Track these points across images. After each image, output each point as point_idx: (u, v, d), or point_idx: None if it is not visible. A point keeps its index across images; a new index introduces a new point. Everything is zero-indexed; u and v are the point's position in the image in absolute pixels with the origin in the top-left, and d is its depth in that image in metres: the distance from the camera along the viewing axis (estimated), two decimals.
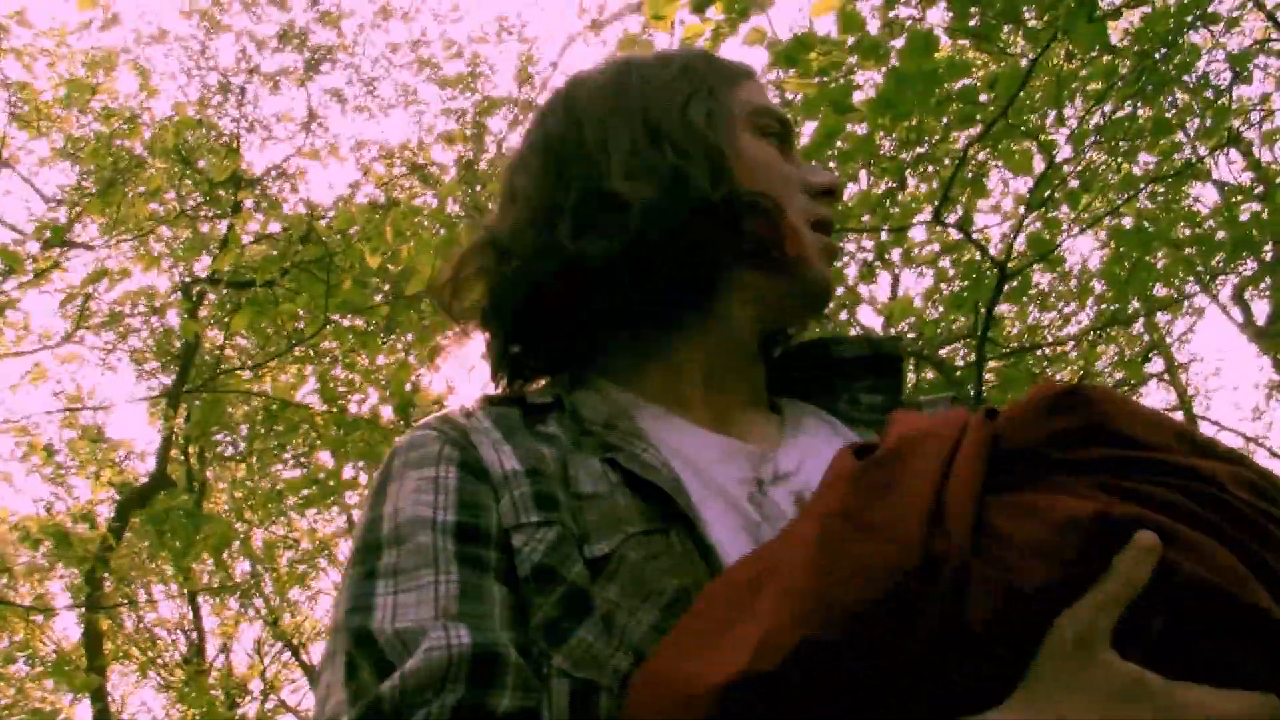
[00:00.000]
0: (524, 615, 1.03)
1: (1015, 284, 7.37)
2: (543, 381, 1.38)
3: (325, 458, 11.00)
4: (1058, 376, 9.76)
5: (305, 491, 10.68)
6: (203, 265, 12.03)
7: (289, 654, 17.35)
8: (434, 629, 0.99)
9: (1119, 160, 7.31)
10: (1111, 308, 8.01)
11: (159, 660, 15.85)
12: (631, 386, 1.29)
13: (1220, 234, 7.45)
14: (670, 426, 1.24)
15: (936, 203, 6.52)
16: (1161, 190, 8.23)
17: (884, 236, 7.39)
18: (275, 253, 9.79)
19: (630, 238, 1.24)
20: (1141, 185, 7.31)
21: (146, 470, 12.50)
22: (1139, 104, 6.74)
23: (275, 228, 11.49)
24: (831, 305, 8.11)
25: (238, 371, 12.32)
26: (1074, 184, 6.98)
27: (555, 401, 1.27)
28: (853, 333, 8.56)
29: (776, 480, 1.20)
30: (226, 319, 11.40)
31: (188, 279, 12.09)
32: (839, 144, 6.07)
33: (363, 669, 0.99)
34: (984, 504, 0.94)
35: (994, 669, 0.87)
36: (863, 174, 7.03)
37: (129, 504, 11.88)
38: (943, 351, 8.24)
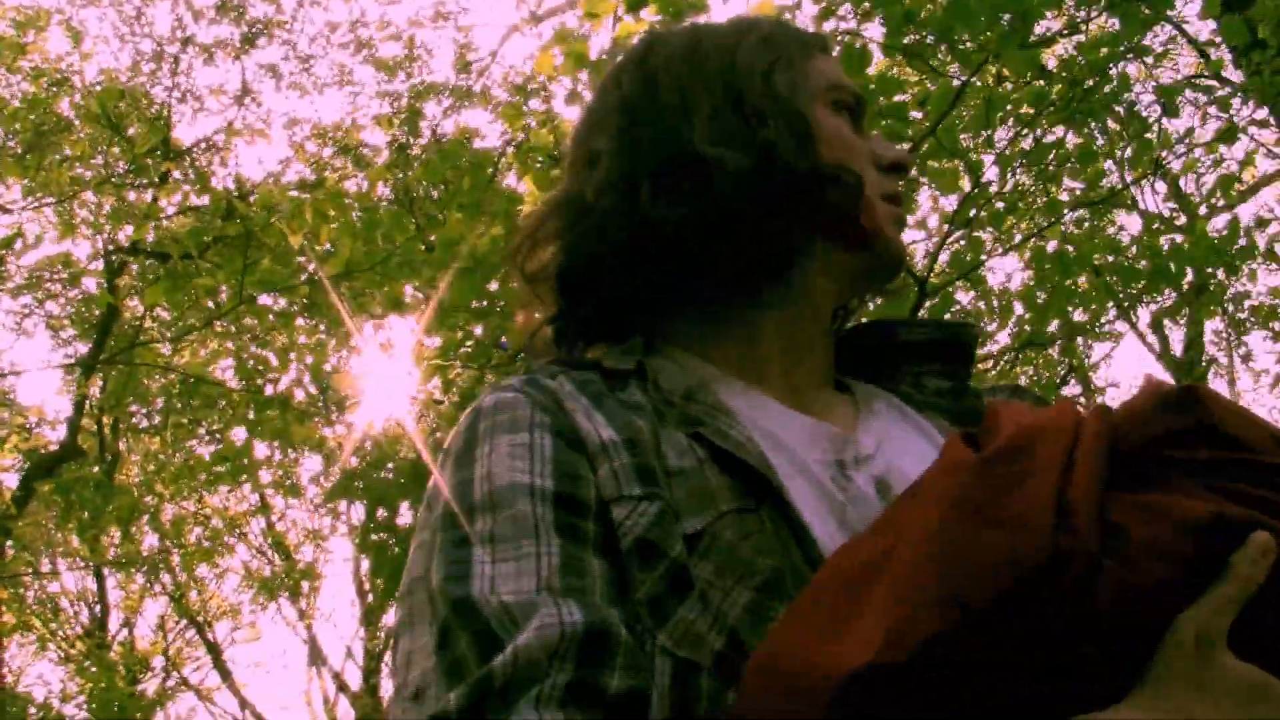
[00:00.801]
0: (624, 590, 1.02)
1: (935, 301, 7.41)
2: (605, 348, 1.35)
3: (240, 435, 10.90)
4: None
5: (218, 468, 10.55)
6: (126, 235, 11.86)
7: (193, 631, 17.15)
8: (545, 604, 0.97)
9: (1044, 184, 7.37)
10: (1028, 329, 8.06)
11: (59, 633, 15.61)
12: (708, 357, 1.28)
13: (1142, 263, 7.54)
14: (751, 402, 1.22)
15: None
16: (1087, 216, 8.31)
17: None
18: (198, 225, 9.67)
19: (714, 203, 1.23)
20: (1065, 210, 7.37)
21: (56, 439, 12.32)
22: (1067, 130, 6.81)
23: (202, 201, 11.39)
24: None
25: (155, 345, 12.17)
26: (999, 205, 7.05)
27: (637, 369, 1.25)
28: None
29: (858, 463, 1.19)
30: (145, 290, 11.25)
31: (110, 248, 11.93)
32: None
33: (460, 640, 0.97)
34: (1104, 501, 0.93)
35: (1114, 667, 0.86)
36: None
37: (36, 472, 11.70)
38: None
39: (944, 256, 7.41)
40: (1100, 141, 7.72)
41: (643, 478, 1.08)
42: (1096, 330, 9.33)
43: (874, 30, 5.96)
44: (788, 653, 0.92)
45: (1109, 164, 7.94)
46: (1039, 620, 0.86)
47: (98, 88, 11.78)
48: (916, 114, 6.32)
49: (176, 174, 12.08)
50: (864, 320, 1.46)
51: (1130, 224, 10.00)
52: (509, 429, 1.12)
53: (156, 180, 11.61)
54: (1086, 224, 8.43)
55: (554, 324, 1.37)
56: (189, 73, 12.38)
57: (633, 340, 1.31)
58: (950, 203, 7.02)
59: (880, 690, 0.84)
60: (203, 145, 12.33)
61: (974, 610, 0.85)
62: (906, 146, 6.16)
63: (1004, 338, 9.07)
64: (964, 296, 8.83)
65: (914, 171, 7.65)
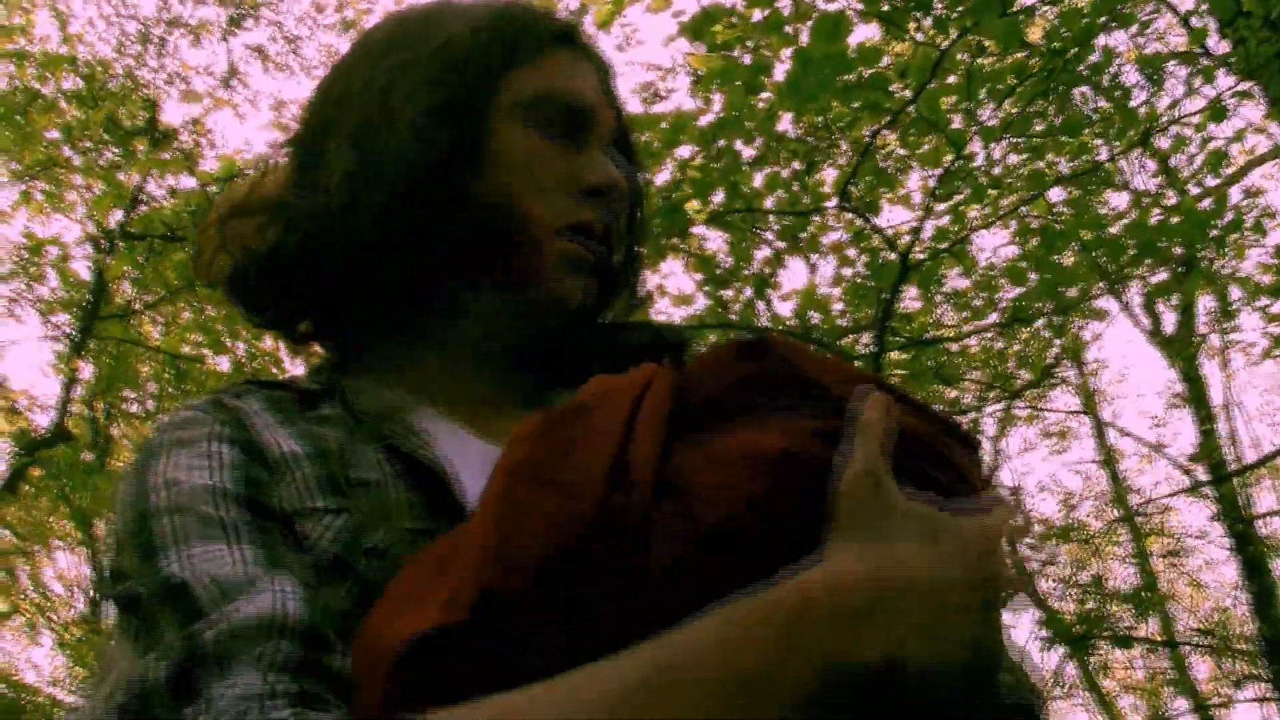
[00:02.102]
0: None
1: (920, 276, 7.38)
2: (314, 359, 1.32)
3: None
4: (964, 373, 9.81)
5: None
6: (116, 220, 11.84)
7: None
8: (261, 579, 0.93)
9: (1028, 157, 7.33)
10: (1013, 305, 8.03)
11: (54, 618, 15.63)
12: (399, 383, 1.22)
13: (1129, 239, 7.50)
14: (445, 429, 1.17)
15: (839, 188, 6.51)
16: (1074, 191, 8.26)
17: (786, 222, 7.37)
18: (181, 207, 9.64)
19: (310, 239, 1.18)
20: (1049, 183, 7.32)
21: (46, 423, 12.31)
22: (1050, 103, 6.76)
23: (190, 183, 11.35)
24: (733, 289, 8.13)
25: (145, 326, 12.17)
26: (982, 179, 7.01)
27: (327, 389, 1.19)
28: (761, 322, 8.60)
29: None
30: (138, 274, 11.26)
31: (98, 232, 11.90)
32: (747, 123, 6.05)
33: (164, 621, 0.92)
34: (670, 451, 0.93)
35: (677, 614, 0.84)
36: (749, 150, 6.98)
37: (25, 456, 11.70)
38: (846, 341, 8.24)
39: (929, 232, 7.38)
40: (1091, 117, 7.67)
41: (328, 489, 1.05)
42: (1085, 309, 9.26)
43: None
44: (370, 629, 0.93)
45: (1098, 142, 7.89)
46: (594, 578, 0.86)
47: (85, 69, 11.74)
48: (896, 87, 6.29)
49: (164, 155, 12.02)
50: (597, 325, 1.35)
51: (1119, 203, 9.94)
52: (187, 442, 1.06)
53: (144, 160, 11.56)
54: (1073, 199, 8.37)
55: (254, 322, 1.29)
56: (175, 54, 12.28)
57: (329, 360, 1.28)
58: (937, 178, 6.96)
59: (440, 653, 0.85)
60: (189, 126, 12.26)
61: (526, 569, 0.86)
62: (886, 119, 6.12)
63: (993, 316, 9.02)
64: (952, 273, 8.77)
65: (896, 144, 7.62)
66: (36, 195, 11.55)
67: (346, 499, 1.04)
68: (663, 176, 6.75)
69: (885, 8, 5.51)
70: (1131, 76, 7.84)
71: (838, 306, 8.22)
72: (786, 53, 5.68)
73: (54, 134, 11.56)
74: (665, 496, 0.89)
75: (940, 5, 5.62)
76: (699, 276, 8.12)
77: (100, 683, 0.96)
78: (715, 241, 8.04)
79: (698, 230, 7.42)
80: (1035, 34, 6.89)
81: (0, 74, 11.77)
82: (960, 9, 5.64)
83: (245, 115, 12.45)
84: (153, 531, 0.98)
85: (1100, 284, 8.50)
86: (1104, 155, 7.93)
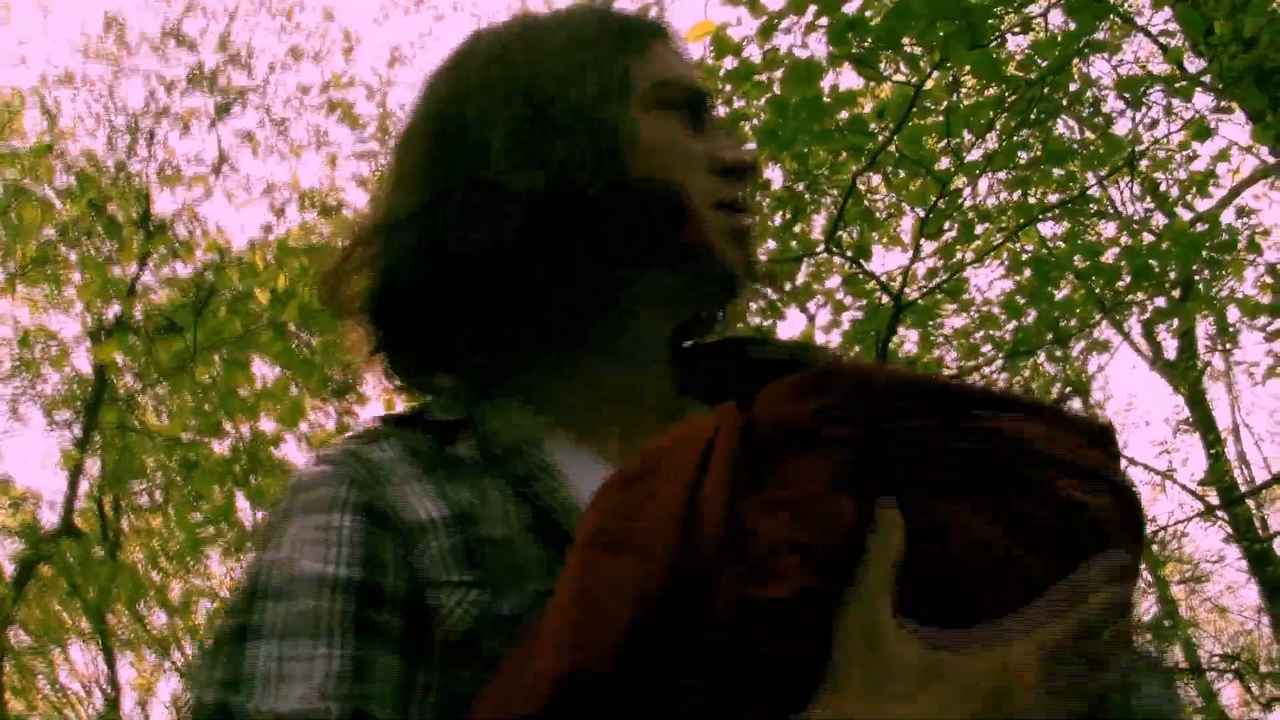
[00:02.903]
0: (414, 688, 0.97)
1: (915, 316, 7.36)
2: (445, 385, 1.28)
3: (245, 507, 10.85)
4: None
5: (208, 529, 10.51)
6: (115, 312, 11.89)
7: None
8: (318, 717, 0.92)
9: (1013, 190, 7.34)
10: (1010, 338, 8.02)
11: (71, 717, 15.55)
12: (540, 406, 1.19)
13: (1123, 264, 7.49)
14: (578, 462, 1.14)
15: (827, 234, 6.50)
16: (1064, 222, 8.26)
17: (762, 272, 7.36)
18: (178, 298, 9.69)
19: (512, 231, 1.14)
20: (1036, 215, 7.32)
21: (53, 521, 12.30)
22: (1031, 133, 6.76)
23: (186, 271, 11.40)
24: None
25: (148, 417, 12.18)
26: (970, 215, 7.00)
27: (463, 420, 1.17)
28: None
29: None
30: (136, 364, 11.28)
31: (96, 326, 11.96)
32: None
33: None
34: (742, 503, 0.91)
35: (749, 674, 0.85)
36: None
37: (33, 553, 11.67)
38: None
39: (923, 271, 7.37)
40: (1074, 144, 7.68)
41: (469, 560, 1.02)
42: (1086, 337, 9.25)
43: (821, 45, 5.89)
44: (481, 713, 0.92)
45: (1084, 171, 7.90)
46: (673, 644, 0.84)
47: (77, 167, 11.82)
48: (876, 127, 6.29)
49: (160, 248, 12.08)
50: (718, 338, 1.35)
51: (1111, 231, 9.94)
52: (312, 508, 1.05)
53: (138, 257, 11.62)
54: (1063, 229, 8.38)
55: (380, 356, 1.27)
56: (165, 144, 12.36)
57: (460, 384, 1.24)
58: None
59: None
60: (183, 216, 12.32)
61: (607, 644, 0.84)
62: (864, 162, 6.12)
63: (990, 350, 9.00)
64: (949, 311, 8.76)
65: (880, 185, 7.62)
66: (35, 294, 11.62)
67: (482, 569, 1.02)
68: None
69: (855, 50, 5.50)
70: (1113, 103, 7.86)
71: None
72: (761, 102, 5.70)
73: (49, 232, 11.64)
74: (732, 553, 0.87)
75: (910, 43, 5.63)
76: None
77: None
78: None
79: None
80: (1013, 67, 6.92)
81: None
82: (931, 46, 5.66)
83: (237, 200, 12.41)
84: (256, 613, 0.98)
85: (1098, 314, 8.48)
86: (1091, 183, 7.94)
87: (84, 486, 12.44)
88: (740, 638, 0.85)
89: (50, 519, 12.59)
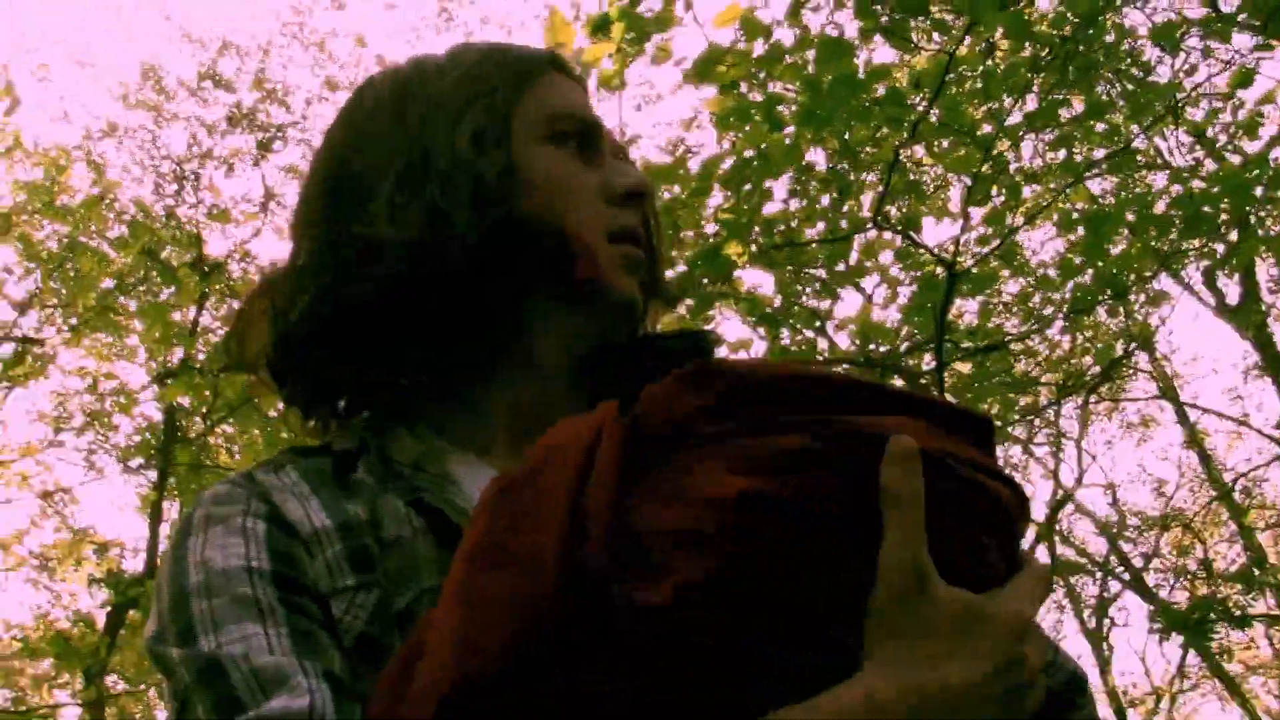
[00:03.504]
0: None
1: (970, 284, 7.31)
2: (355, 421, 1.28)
3: None
4: (1029, 372, 9.71)
5: None
6: (177, 358, 12.03)
7: None
8: (296, 672, 0.93)
9: (1057, 150, 7.28)
10: (1071, 299, 7.94)
11: None
12: (442, 433, 1.21)
13: (1175, 214, 7.40)
14: (479, 473, 1.15)
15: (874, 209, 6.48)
16: (1112, 176, 8.19)
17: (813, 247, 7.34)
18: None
19: (392, 284, 1.15)
20: (1083, 172, 7.26)
21: (137, 566, 12.44)
22: (1070, 91, 6.71)
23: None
24: (789, 328, 8.11)
25: (221, 457, 12.31)
26: (1016, 177, 6.95)
27: (362, 446, 1.19)
28: (821, 348, 8.56)
29: None
30: (204, 407, 11.41)
31: (161, 370, 12.09)
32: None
33: (198, 706, 0.93)
34: (628, 503, 0.90)
35: (651, 681, 0.83)
36: (783, 186, 6.97)
37: (121, 601, 11.81)
38: (912, 363, 8.17)
39: (974, 238, 7.33)
40: (1115, 99, 7.61)
41: (357, 564, 1.04)
42: (1146, 290, 9.15)
43: (849, 20, 5.87)
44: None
45: (1133, 127, 7.82)
46: (564, 652, 0.83)
47: (127, 216, 11.96)
48: (916, 100, 6.26)
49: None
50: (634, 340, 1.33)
51: (1160, 181, 9.82)
52: (222, 519, 1.07)
53: (195, 299, 11.75)
54: (1111, 183, 8.30)
55: (290, 404, 1.27)
56: (211, 186, 12.48)
57: (370, 417, 1.25)
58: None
59: None
60: (235, 254, 12.45)
61: (493, 656, 0.83)
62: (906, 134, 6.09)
63: (1050, 312, 8.93)
64: (1005, 276, 8.70)
65: (926, 158, 7.59)
66: (99, 344, 11.77)
67: (375, 571, 1.04)
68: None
69: (883, 21, 5.49)
70: (1150, 52, 7.78)
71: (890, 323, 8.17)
72: (791, 86, 5.70)
73: (108, 282, 11.80)
74: (625, 555, 0.87)
75: (939, 9, 5.60)
76: (751, 319, 8.10)
77: None
78: (765, 284, 8.04)
79: (741, 274, 7.42)
80: (1045, 25, 6.86)
81: (50, 234, 12.05)
82: (959, 10, 5.63)
83: (286, 234, 12.51)
84: (191, 613, 0.99)
85: (1155, 265, 8.40)
86: (1136, 134, 7.86)
87: (164, 529, 12.57)
88: (645, 636, 0.84)
89: (134, 565, 12.74)
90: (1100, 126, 7.33)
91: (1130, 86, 7.61)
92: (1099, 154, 7.63)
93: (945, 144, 7.02)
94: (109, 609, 12.19)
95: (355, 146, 1.24)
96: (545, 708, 0.82)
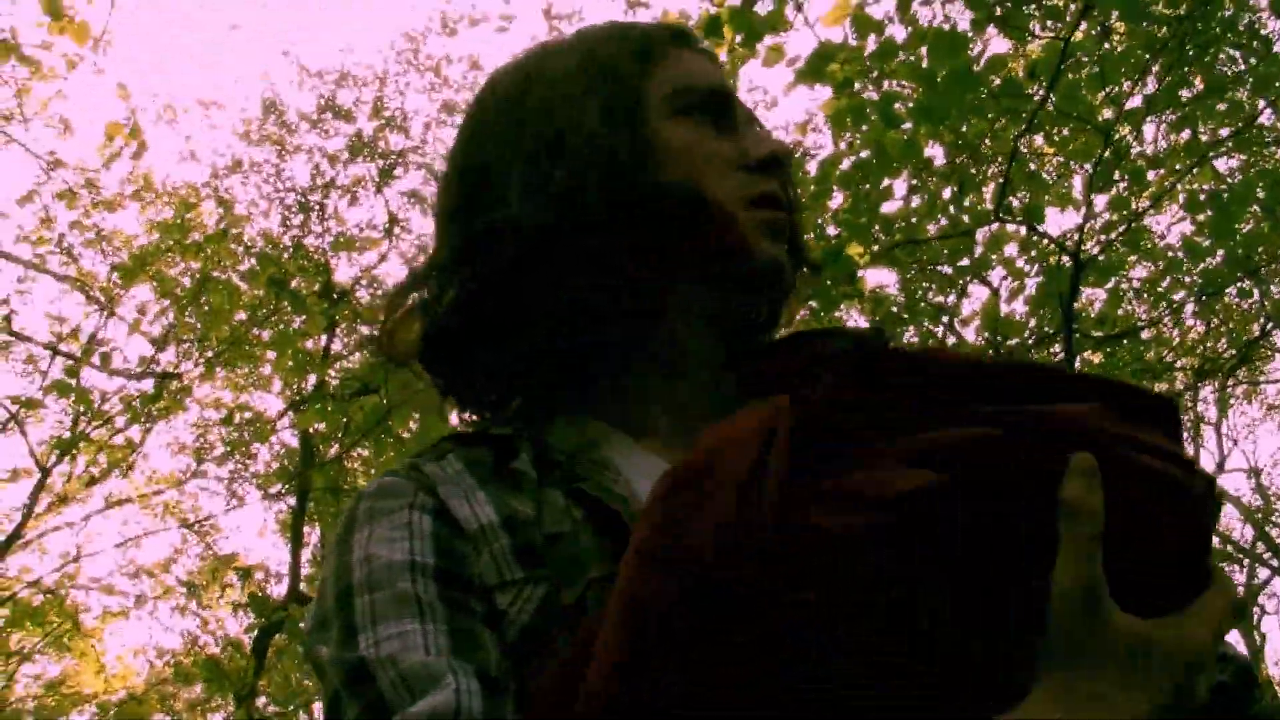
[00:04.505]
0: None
1: (1097, 271, 7.22)
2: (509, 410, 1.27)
3: None
4: (1162, 358, 9.54)
5: None
6: (310, 384, 12.25)
7: None
8: (445, 674, 0.93)
9: (1180, 130, 7.15)
10: (1202, 281, 7.79)
11: None
12: (596, 416, 1.19)
13: None
14: (637, 458, 1.14)
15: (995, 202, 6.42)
16: (1239, 154, 8.02)
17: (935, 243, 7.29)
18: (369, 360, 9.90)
19: (531, 266, 1.15)
20: (1208, 152, 7.12)
21: (281, 591, 12.68)
22: (1190, 70, 6.60)
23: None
24: (912, 325, 8.05)
25: (357, 480, 12.50)
26: (1139, 162, 6.86)
27: (521, 433, 1.17)
28: (949, 343, 8.49)
29: None
30: (339, 432, 11.60)
31: (295, 398, 12.32)
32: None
33: (348, 710, 0.94)
34: (803, 494, 0.90)
35: (800, 680, 0.83)
36: (903, 183, 6.92)
37: (268, 625, 12.04)
38: (1038, 356, 8.08)
39: (1099, 226, 7.24)
40: (1241, 73, 7.45)
41: (524, 559, 1.03)
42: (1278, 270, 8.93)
43: (961, 13, 5.84)
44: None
45: (1254, 98, 7.65)
46: (732, 642, 0.83)
47: (255, 249, 12.22)
48: (1034, 90, 6.20)
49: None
50: (777, 338, 1.33)
51: None
52: (388, 511, 1.06)
53: (325, 326, 11.96)
54: (1239, 162, 8.13)
55: (445, 396, 1.28)
56: (336, 216, 12.71)
57: (528, 406, 1.24)
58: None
59: None
60: (362, 281, 12.65)
61: (663, 656, 0.84)
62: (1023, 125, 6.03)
63: (1180, 296, 8.77)
64: (1132, 261, 8.56)
65: (1046, 147, 7.50)
66: (234, 377, 12.04)
67: (542, 565, 1.02)
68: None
69: (998, 12, 5.44)
70: (1272, 25, 7.61)
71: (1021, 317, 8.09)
72: (906, 83, 5.67)
73: (240, 315, 12.06)
74: (798, 550, 0.86)
75: None
76: (876, 319, 8.07)
77: None
78: (889, 283, 8.00)
79: (864, 273, 7.39)
80: (1162, 4, 6.75)
81: (183, 270, 12.36)
82: None
83: (411, 258, 12.68)
84: (354, 609, 0.99)
85: None
86: (1262, 107, 7.69)
87: (305, 554, 12.80)
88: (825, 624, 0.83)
89: (278, 590, 12.98)
90: (1222, 105, 7.20)
91: (1253, 61, 7.44)
92: (1223, 132, 7.49)
93: (1065, 132, 6.95)
94: (255, 633, 12.43)
95: (484, 135, 1.24)
96: (715, 705, 0.82)
